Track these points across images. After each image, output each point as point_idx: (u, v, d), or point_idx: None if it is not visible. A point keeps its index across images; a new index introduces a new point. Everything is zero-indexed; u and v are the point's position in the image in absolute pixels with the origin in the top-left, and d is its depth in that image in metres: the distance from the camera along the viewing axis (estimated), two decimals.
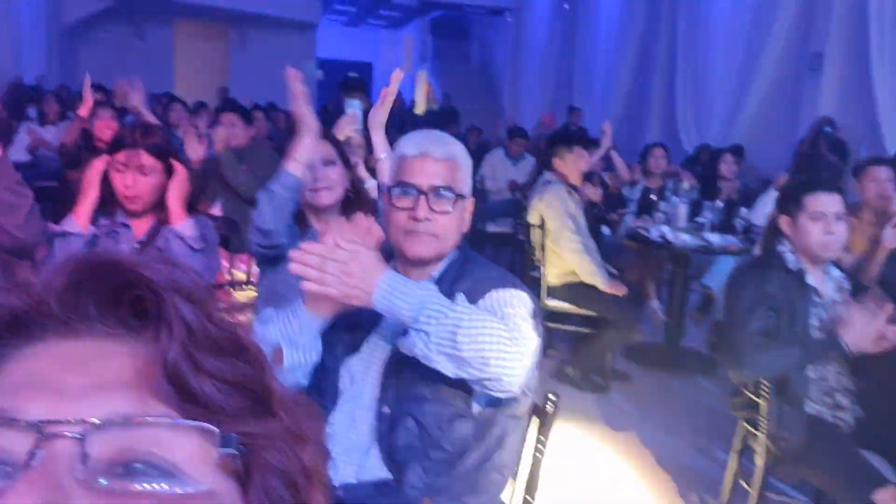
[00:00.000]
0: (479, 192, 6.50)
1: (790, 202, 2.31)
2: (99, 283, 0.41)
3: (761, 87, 8.05)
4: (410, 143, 1.51)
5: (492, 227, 6.22)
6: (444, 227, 1.46)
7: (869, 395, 2.29)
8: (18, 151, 5.57)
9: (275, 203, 1.93)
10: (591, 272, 3.84)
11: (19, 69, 9.51)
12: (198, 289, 0.42)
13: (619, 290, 3.86)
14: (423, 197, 1.44)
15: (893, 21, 6.51)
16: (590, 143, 4.49)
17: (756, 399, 2.26)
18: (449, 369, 1.29)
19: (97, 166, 2.10)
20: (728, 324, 2.34)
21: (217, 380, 0.39)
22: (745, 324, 2.21)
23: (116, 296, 0.41)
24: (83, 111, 4.16)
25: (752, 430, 2.33)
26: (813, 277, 2.28)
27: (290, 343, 1.39)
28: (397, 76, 2.38)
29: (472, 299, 1.38)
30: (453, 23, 17.99)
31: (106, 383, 0.38)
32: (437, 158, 1.47)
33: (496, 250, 6.26)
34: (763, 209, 4.10)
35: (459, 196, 1.47)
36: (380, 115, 2.33)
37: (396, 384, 1.43)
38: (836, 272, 2.37)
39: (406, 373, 1.41)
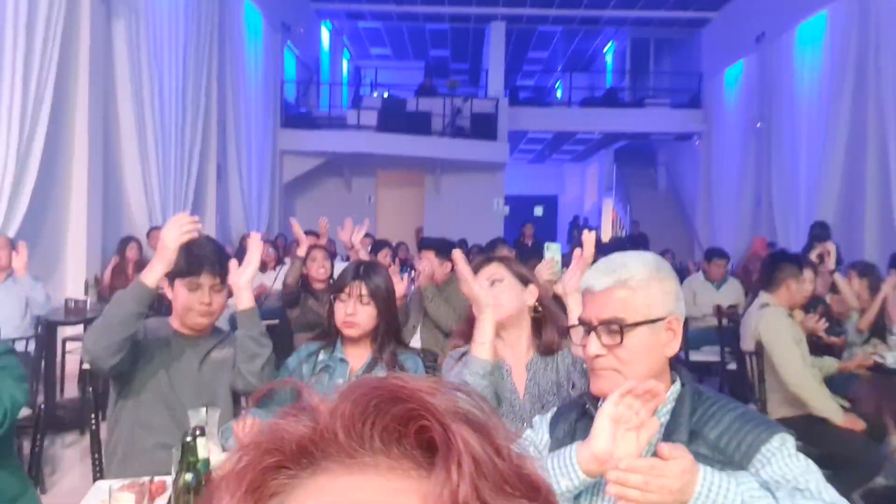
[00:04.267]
0: None
1: None
2: (385, 412, 0.38)
3: None
4: (585, 275, 1.46)
5: (695, 356, 5.85)
6: (624, 360, 1.36)
7: None
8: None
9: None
10: (822, 405, 3.45)
11: (248, 224, 10.80)
12: (483, 417, 0.39)
13: (857, 425, 3.42)
14: (592, 333, 1.38)
15: None
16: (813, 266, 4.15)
17: None
18: None
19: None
20: None
21: None
22: None
23: (401, 426, 0.38)
24: (301, 252, 4.54)
25: None
26: None
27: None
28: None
29: (737, 453, 1.25)
30: (638, 150, 18.11)
31: None
32: (600, 290, 1.39)
33: (701, 381, 5.85)
34: None
35: (634, 325, 1.36)
36: (575, 281, 2.09)
37: None
38: None
39: None
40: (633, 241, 10.50)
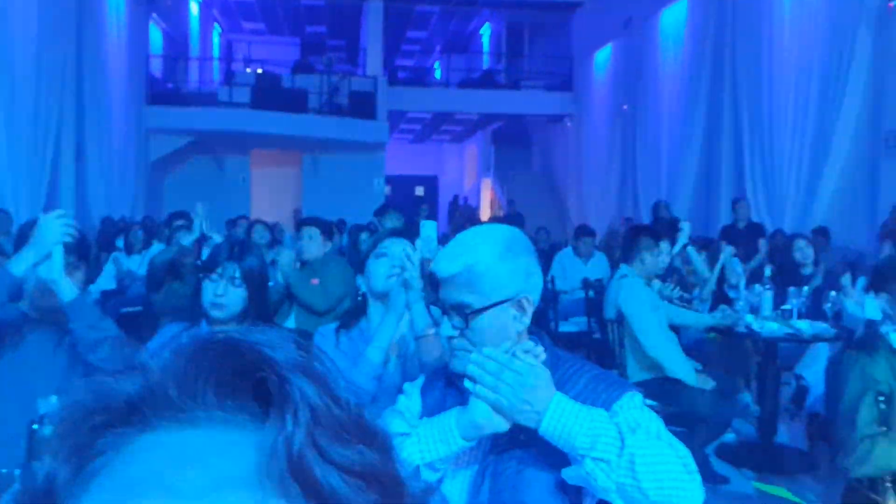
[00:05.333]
0: (550, 292, 6.44)
1: (888, 279, 2.17)
2: (220, 367, 0.37)
3: (835, 169, 7.87)
4: (436, 258, 1.48)
5: (565, 327, 6.10)
6: (475, 341, 1.38)
7: None
8: (107, 281, 5.87)
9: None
10: (677, 367, 3.68)
11: (110, 205, 10.20)
12: (321, 367, 0.38)
13: (708, 384, 3.68)
14: (444, 315, 1.42)
15: None
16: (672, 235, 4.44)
17: (874, 497, 2.06)
18: (622, 501, 1.22)
19: None
20: (835, 417, 2.17)
21: (345, 471, 0.35)
22: (852, 414, 2.04)
23: (237, 379, 0.37)
24: (187, 239, 4.39)
25: None
26: None
27: (430, 466, 1.33)
28: None
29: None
30: (514, 132, 18.54)
31: (226, 481, 0.34)
32: (447, 276, 1.41)
33: (571, 350, 6.10)
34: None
35: (480, 310, 1.38)
36: None
37: (491, 492, 1.35)
38: None
39: (502, 481, 1.34)
40: (509, 220, 10.76)
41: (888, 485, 2.04)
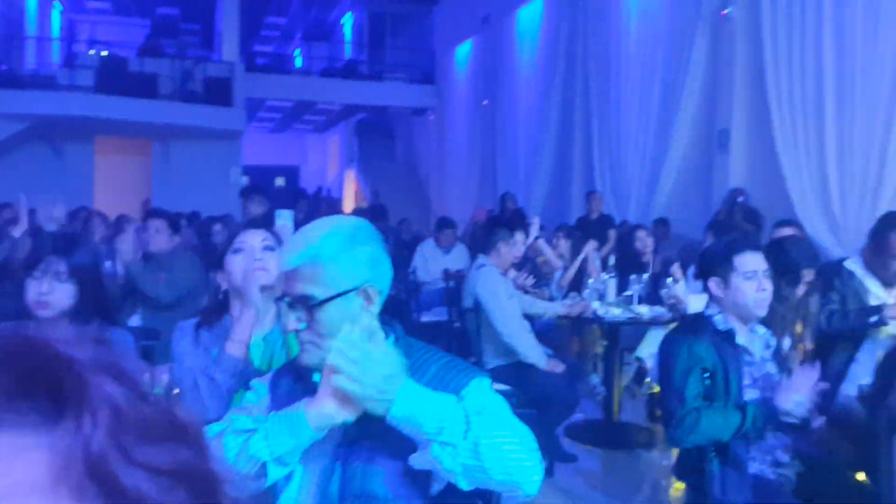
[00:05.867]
0: (412, 283, 6.50)
1: (719, 265, 2.35)
2: (12, 366, 0.35)
3: (674, 164, 8.46)
4: (281, 250, 1.48)
5: (426, 317, 6.19)
6: (321, 334, 1.37)
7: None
8: None
9: (218, 392, 1.84)
10: (530, 352, 3.84)
11: None
12: (128, 366, 0.37)
13: (558, 368, 3.86)
14: (290, 308, 1.40)
15: (790, 97, 7.00)
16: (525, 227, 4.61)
17: (700, 464, 2.25)
18: (467, 483, 1.25)
19: None
20: (665, 392, 2.34)
21: (152, 471, 0.33)
22: (680, 390, 2.21)
23: (31, 381, 0.35)
24: (16, 232, 4.03)
25: (700, 497, 2.30)
26: (742, 337, 2.32)
27: (279, 461, 1.31)
28: None
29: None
30: (378, 123, 18.52)
31: (16, 487, 0.32)
32: (290, 268, 1.40)
33: (432, 340, 6.19)
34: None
35: (323, 301, 1.37)
36: None
37: (341, 482, 1.36)
38: (761, 330, 2.42)
39: (352, 472, 1.34)
40: (373, 211, 10.74)
41: (713, 453, 2.23)
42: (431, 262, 6.66)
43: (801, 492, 2.24)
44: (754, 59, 7.42)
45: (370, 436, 1.34)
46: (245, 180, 13.35)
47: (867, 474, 2.11)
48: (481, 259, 4.17)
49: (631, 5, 9.30)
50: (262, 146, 19.76)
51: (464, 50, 14.36)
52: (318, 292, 1.37)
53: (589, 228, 7.15)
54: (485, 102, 12.99)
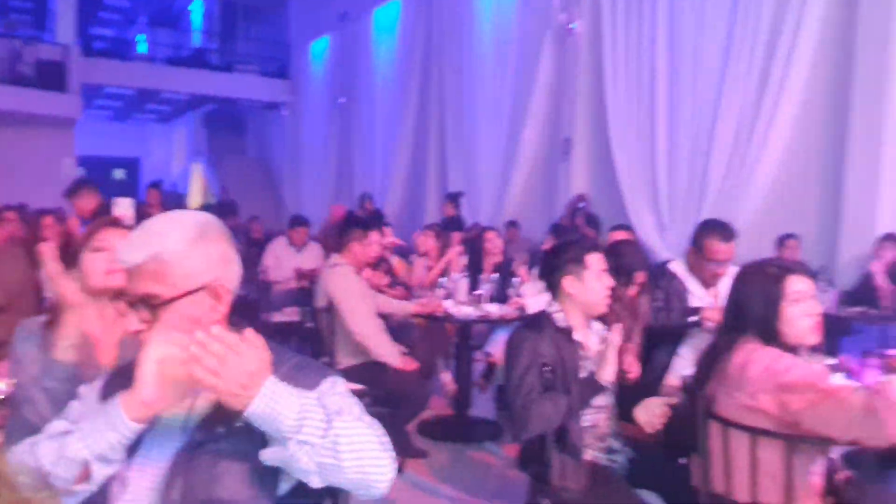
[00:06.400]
0: (262, 282, 6.36)
1: (571, 263, 2.50)
2: None
3: (523, 170, 8.84)
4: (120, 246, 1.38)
5: (278, 317, 6.07)
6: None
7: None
8: None
9: (55, 398, 1.70)
10: (383, 350, 3.88)
11: None
12: None
13: (411, 366, 3.93)
14: (132, 308, 1.33)
15: (627, 108, 7.51)
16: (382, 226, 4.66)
17: (541, 454, 2.38)
18: (320, 481, 1.24)
19: None
20: (508, 385, 2.46)
21: None
22: (519, 385, 2.34)
23: None
24: None
25: (541, 485, 2.44)
26: (579, 334, 2.49)
27: (101, 458, 1.25)
28: None
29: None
30: (228, 116, 17.85)
31: None
32: (132, 265, 1.33)
33: (284, 340, 6.10)
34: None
35: (169, 300, 1.31)
36: None
37: (184, 488, 1.32)
38: (597, 325, 2.61)
39: (195, 476, 1.31)
40: (221, 207, 10.34)
41: (553, 442, 2.37)
42: (284, 260, 6.54)
43: (633, 476, 2.44)
44: (595, 72, 7.91)
45: (215, 439, 1.32)
46: (80, 171, 12.46)
47: (687, 458, 2.32)
48: (335, 258, 4.17)
49: (484, 12, 9.59)
50: (99, 136, 18.43)
51: (320, 46, 14.18)
52: (164, 291, 1.31)
53: (452, 230, 7.34)
54: (341, 100, 12.90)
